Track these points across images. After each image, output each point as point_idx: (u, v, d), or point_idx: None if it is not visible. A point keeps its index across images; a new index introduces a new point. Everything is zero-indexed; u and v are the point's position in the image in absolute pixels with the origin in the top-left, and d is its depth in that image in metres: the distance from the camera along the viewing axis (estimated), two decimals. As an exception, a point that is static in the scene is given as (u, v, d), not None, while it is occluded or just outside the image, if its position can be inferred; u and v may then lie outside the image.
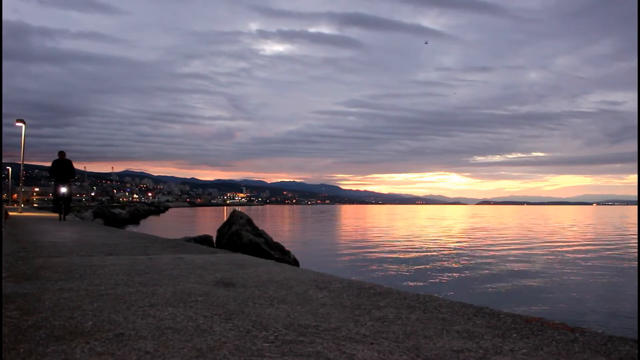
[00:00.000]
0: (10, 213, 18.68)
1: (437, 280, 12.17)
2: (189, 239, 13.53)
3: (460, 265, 15.05)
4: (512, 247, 21.48)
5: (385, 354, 1.59)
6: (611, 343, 1.72)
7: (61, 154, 13.16)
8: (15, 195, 55.93)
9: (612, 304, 9.51)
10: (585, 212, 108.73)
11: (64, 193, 13.09)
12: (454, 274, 13.20)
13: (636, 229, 36.20)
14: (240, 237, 13.94)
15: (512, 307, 8.82)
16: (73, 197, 13.01)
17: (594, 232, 33.29)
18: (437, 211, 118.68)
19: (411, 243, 23.08)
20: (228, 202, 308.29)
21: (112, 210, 45.23)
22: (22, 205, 29.29)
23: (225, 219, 16.40)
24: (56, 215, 17.72)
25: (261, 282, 3.08)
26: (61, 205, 13.19)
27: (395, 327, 1.95)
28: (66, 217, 13.36)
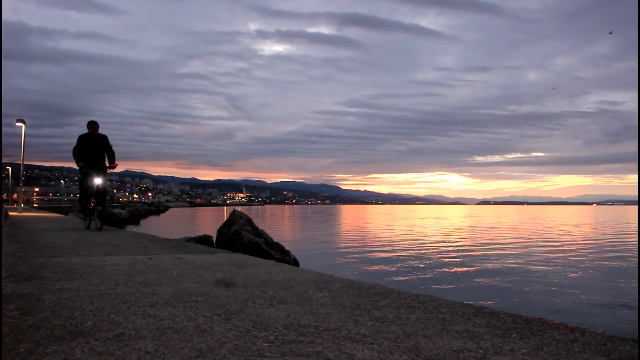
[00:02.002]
0: (10, 213, 18.69)
1: (437, 280, 12.16)
2: (189, 239, 13.52)
3: (460, 265, 15.05)
4: (512, 246, 21.48)
5: (385, 354, 1.59)
6: (611, 343, 1.72)
7: (92, 125, 8.60)
8: (15, 195, 55.94)
9: (612, 304, 9.50)
10: (585, 212, 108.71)
11: (98, 186, 8.31)
12: (454, 274, 13.20)
13: (636, 228, 36.19)
14: (240, 237, 13.93)
15: (512, 307, 8.82)
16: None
17: (594, 231, 33.28)
18: (437, 211, 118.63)
19: (411, 243, 23.08)
20: (228, 202, 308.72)
21: (112, 210, 45.20)
22: (22, 206, 29.31)
23: (225, 219, 16.39)
24: (60, 215, 16.58)
25: (261, 282, 3.08)
26: (92, 206, 8.47)
27: (395, 327, 1.95)
28: (103, 225, 8.40)
